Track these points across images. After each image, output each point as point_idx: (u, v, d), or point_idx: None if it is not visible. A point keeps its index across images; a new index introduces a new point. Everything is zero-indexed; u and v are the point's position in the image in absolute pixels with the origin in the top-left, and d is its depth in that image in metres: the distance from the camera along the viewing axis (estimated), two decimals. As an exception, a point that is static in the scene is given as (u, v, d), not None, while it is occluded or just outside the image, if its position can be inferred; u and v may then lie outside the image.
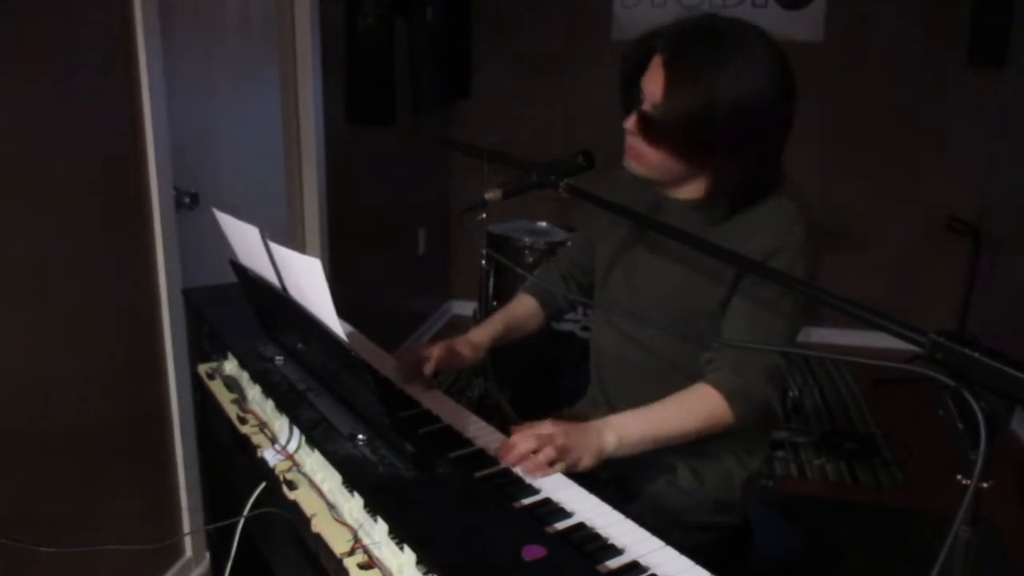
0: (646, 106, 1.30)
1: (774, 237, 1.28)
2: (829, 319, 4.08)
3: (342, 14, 3.00)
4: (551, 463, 1.14)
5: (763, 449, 1.47)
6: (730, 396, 1.27)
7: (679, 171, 1.34)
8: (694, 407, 1.29)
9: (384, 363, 1.53)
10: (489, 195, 1.37)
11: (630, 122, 1.32)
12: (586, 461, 1.18)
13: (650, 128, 1.29)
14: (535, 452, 1.14)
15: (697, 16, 1.29)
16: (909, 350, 0.89)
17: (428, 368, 1.46)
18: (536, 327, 1.67)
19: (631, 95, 1.33)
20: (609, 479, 1.47)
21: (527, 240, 3.36)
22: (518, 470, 1.15)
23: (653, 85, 1.28)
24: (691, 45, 1.25)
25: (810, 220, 1.31)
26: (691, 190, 1.37)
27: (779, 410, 1.31)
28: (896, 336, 0.85)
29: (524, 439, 1.15)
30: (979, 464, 0.73)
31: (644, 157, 1.33)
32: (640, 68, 1.31)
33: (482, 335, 1.56)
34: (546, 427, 1.18)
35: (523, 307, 1.67)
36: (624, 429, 1.24)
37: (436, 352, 1.48)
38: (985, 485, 0.74)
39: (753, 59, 1.23)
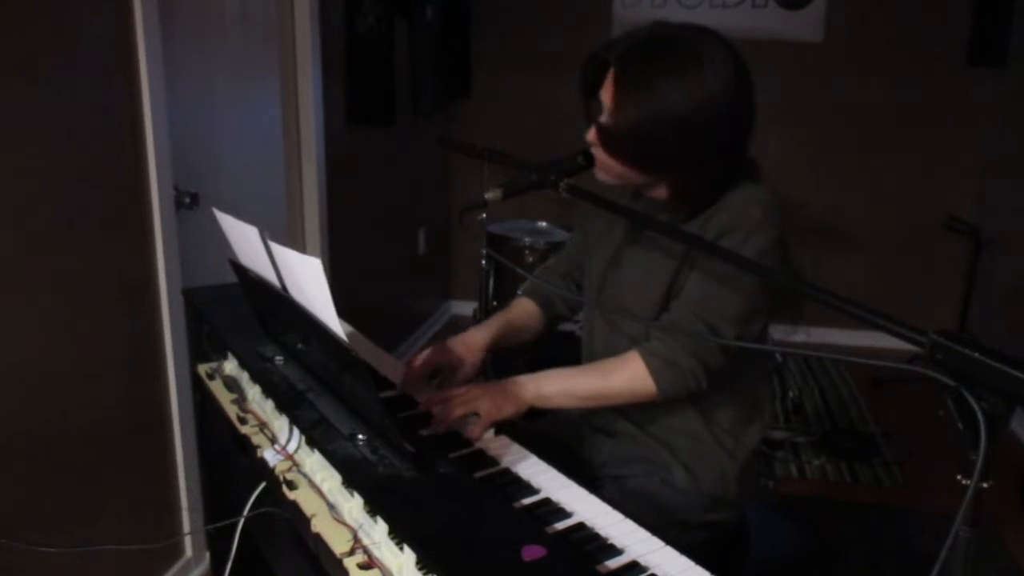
0: (603, 118, 1.31)
1: (730, 217, 1.31)
2: (829, 319, 4.08)
3: (342, 14, 3.00)
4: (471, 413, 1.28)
5: (752, 441, 1.46)
6: (650, 363, 1.32)
7: (641, 180, 1.36)
8: (614, 368, 1.37)
9: (384, 363, 1.53)
10: (489, 195, 1.37)
11: (590, 134, 1.35)
12: (507, 411, 1.29)
13: (607, 140, 1.31)
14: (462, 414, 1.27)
15: (647, 26, 1.29)
16: (909, 350, 0.89)
17: (416, 363, 1.46)
18: (536, 331, 1.67)
19: (591, 107, 1.35)
20: (607, 478, 1.47)
21: (527, 240, 3.36)
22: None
23: (607, 98, 1.30)
24: (639, 59, 1.26)
25: (774, 204, 1.32)
26: (657, 192, 1.39)
27: (704, 383, 1.33)
28: (896, 336, 0.85)
29: (454, 409, 1.27)
30: (979, 464, 0.73)
31: (608, 167, 1.35)
32: (598, 80, 1.33)
33: (478, 335, 1.56)
34: (472, 392, 1.30)
35: (522, 310, 1.66)
36: (542, 380, 1.35)
37: (429, 350, 1.49)
38: (985, 485, 0.74)
39: (703, 70, 1.23)
